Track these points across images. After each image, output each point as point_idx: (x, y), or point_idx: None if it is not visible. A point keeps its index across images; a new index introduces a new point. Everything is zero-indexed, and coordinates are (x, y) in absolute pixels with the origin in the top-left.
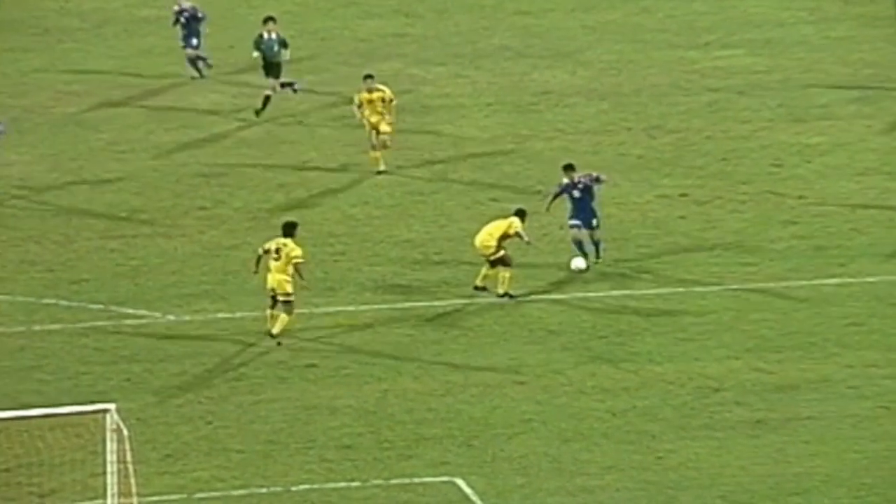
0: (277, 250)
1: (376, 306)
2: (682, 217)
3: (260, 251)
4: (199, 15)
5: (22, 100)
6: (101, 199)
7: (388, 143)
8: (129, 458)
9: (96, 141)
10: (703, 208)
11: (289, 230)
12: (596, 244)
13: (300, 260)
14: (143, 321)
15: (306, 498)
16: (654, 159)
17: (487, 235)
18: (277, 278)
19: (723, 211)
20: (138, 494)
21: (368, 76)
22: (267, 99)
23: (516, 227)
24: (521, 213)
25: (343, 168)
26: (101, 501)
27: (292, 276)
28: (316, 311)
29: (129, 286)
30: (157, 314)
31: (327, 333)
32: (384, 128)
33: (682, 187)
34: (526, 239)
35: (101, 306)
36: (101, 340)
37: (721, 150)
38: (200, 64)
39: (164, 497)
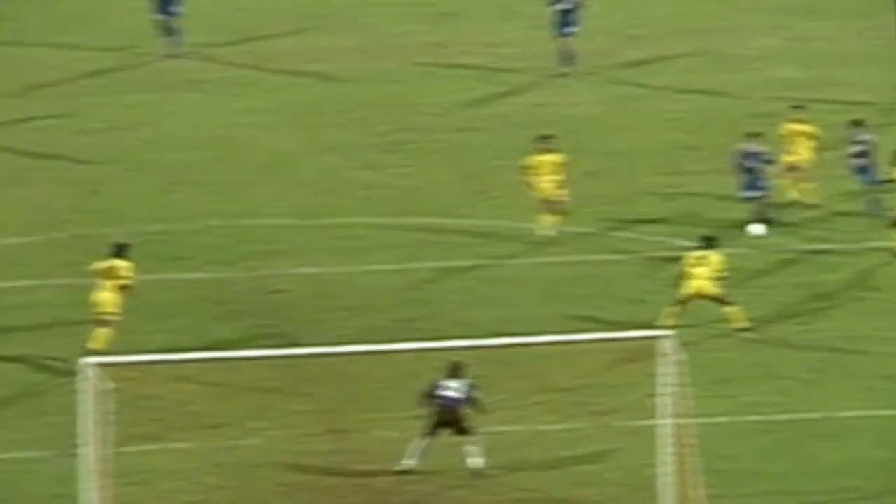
0: (702, 258)
1: None
2: None
3: (689, 261)
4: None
5: (589, 43)
6: (659, 138)
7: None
8: (682, 381)
9: (656, 83)
10: None
11: (710, 243)
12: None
13: (719, 274)
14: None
15: (848, 424)
16: None
17: None
18: (702, 284)
19: None
20: (691, 416)
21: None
22: None
23: None
24: None
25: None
26: (656, 421)
27: (713, 281)
28: (867, 245)
29: (683, 218)
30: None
31: (876, 266)
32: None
33: None
34: None
35: (659, 238)
36: (658, 270)
37: None
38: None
39: (715, 419)
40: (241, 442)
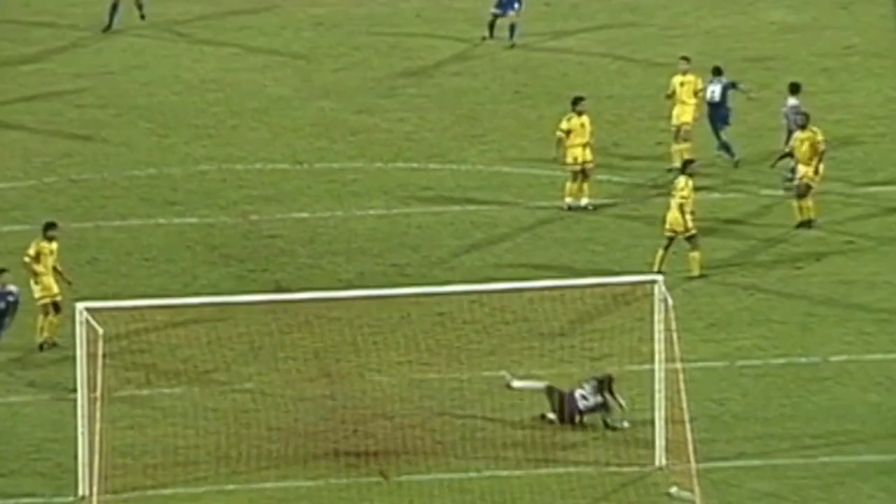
0: (674, 187)
1: None
2: None
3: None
4: None
5: None
6: (653, 83)
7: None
8: (674, 326)
9: (650, 26)
10: None
11: (683, 168)
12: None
13: (684, 200)
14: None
15: (844, 368)
16: None
17: None
18: (671, 215)
19: None
20: (683, 360)
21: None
22: None
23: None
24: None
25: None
26: (648, 366)
27: (685, 213)
28: (860, 192)
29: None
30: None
31: (865, 213)
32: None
33: None
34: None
35: (649, 183)
36: (652, 216)
37: None
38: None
39: (708, 364)
40: (234, 387)
